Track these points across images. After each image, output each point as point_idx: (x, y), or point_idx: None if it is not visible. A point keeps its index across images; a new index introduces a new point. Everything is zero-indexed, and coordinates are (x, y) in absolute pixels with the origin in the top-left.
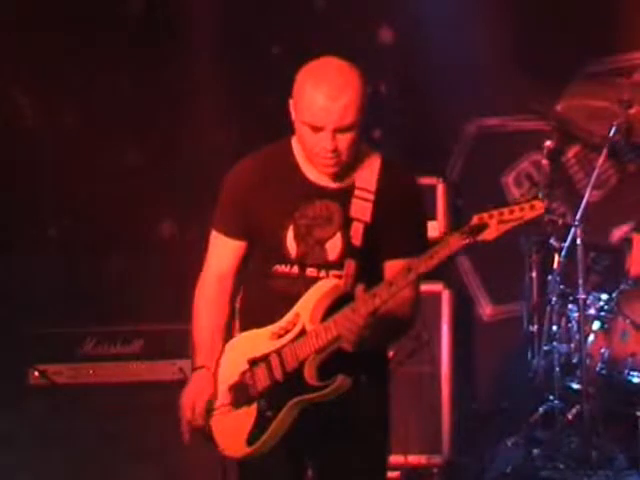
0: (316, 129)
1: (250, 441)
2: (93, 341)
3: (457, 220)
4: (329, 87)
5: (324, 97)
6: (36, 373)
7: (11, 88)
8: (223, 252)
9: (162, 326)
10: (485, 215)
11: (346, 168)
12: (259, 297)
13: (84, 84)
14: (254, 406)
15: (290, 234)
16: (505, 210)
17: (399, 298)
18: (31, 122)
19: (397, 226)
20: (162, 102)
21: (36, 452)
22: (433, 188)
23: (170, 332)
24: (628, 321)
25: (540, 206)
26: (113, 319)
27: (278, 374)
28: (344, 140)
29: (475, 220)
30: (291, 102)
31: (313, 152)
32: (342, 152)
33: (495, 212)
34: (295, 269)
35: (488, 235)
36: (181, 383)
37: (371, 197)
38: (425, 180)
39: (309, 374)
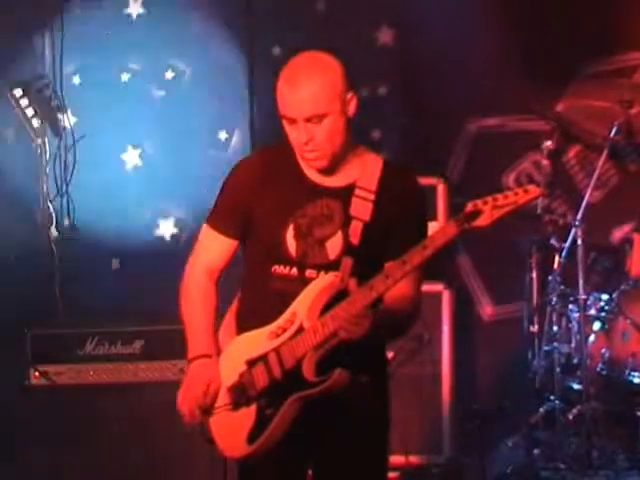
0: (291, 121)
1: (250, 440)
2: (94, 341)
3: None
4: (294, 78)
5: (288, 88)
6: (36, 373)
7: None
8: (214, 248)
9: (162, 326)
10: (479, 202)
11: (341, 165)
12: (257, 299)
13: (84, 84)
14: (254, 406)
15: (290, 233)
16: (499, 196)
17: (399, 294)
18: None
19: (398, 227)
20: (162, 102)
21: (36, 453)
22: (433, 188)
23: (170, 332)
24: (629, 321)
25: (534, 190)
26: (114, 319)
27: (277, 372)
28: (320, 130)
29: (469, 207)
30: None
31: (295, 146)
32: (321, 143)
33: (489, 198)
34: (294, 270)
35: (482, 221)
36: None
37: (371, 197)
38: (425, 180)
39: (307, 370)
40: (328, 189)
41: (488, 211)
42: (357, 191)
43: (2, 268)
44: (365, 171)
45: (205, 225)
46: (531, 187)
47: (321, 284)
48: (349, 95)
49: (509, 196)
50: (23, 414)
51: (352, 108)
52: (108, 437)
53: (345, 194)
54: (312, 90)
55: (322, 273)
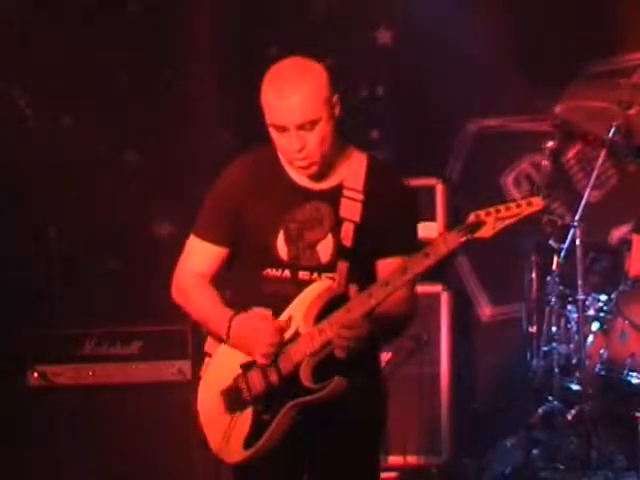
0: (280, 129)
1: (247, 445)
2: (93, 342)
3: (456, 221)
4: (282, 86)
5: (277, 96)
6: (36, 374)
7: (11, 88)
8: (203, 257)
9: (161, 327)
10: (482, 213)
11: (328, 167)
12: (249, 302)
13: (84, 84)
14: (249, 410)
15: (280, 238)
16: (502, 207)
17: (395, 297)
18: (31, 122)
19: (387, 224)
20: (162, 102)
21: (35, 453)
22: (432, 189)
23: (169, 333)
24: (627, 322)
25: (537, 202)
26: (112, 320)
27: (273, 378)
28: (312, 137)
29: (472, 218)
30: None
31: (285, 154)
32: (313, 150)
33: (492, 209)
34: (287, 273)
35: (485, 233)
36: (180, 384)
37: (360, 197)
38: (424, 181)
39: (305, 376)
40: (315, 192)
41: (491, 223)
42: (345, 192)
43: (2, 268)
44: (351, 170)
45: (192, 235)
46: (535, 199)
47: (318, 289)
48: (335, 98)
49: (512, 208)
50: (22, 414)
51: (337, 110)
52: (106, 437)
53: (333, 196)
54: (302, 96)
55: (315, 275)
